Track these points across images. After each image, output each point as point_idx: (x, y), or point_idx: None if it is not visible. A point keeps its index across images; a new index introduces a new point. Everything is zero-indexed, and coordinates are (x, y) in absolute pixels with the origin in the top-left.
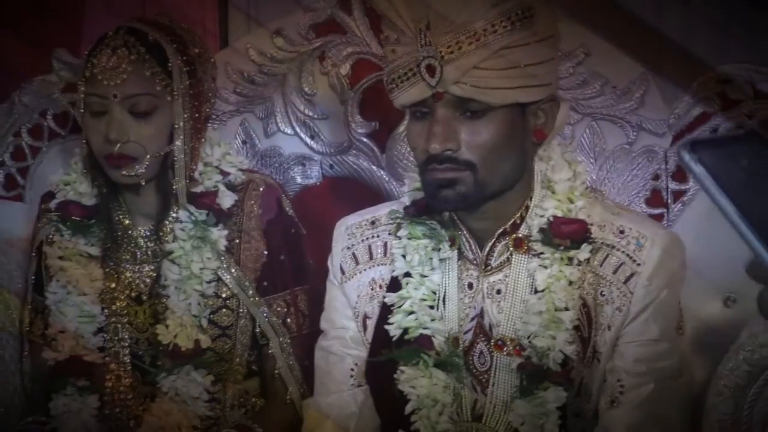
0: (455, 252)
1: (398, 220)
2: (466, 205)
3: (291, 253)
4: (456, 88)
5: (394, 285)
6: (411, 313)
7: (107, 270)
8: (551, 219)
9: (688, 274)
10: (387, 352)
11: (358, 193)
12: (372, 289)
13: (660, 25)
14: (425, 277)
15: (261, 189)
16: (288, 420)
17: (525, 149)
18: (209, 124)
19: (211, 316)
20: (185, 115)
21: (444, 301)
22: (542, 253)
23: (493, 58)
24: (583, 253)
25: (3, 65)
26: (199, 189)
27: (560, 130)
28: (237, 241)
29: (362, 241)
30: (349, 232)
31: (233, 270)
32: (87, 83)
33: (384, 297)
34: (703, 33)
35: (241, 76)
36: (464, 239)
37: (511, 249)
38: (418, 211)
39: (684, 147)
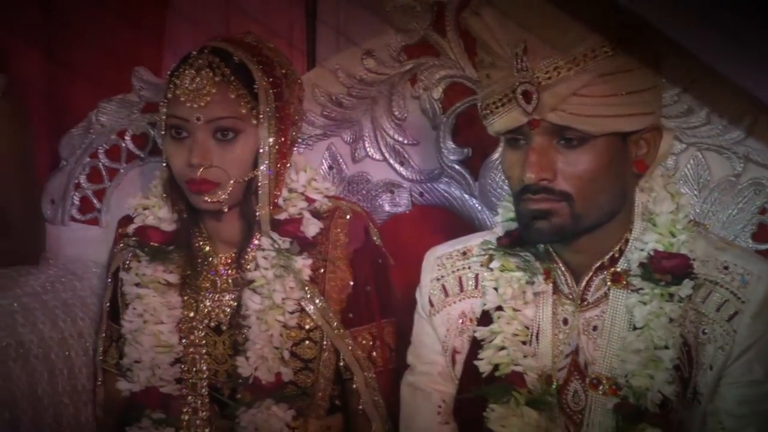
0: (550, 286)
1: (490, 251)
2: (562, 237)
3: (378, 283)
4: (553, 115)
5: (485, 319)
6: (502, 348)
7: (186, 298)
8: (652, 253)
9: None
10: (476, 389)
11: (449, 222)
12: (462, 323)
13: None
14: (518, 311)
15: (348, 217)
16: None
17: (625, 180)
18: (295, 149)
19: (294, 348)
20: (270, 140)
21: (537, 336)
22: (642, 288)
23: (593, 84)
24: (685, 289)
25: (81, 83)
26: (283, 216)
27: (663, 160)
28: (322, 270)
29: (453, 272)
30: (439, 262)
31: (317, 300)
32: (169, 104)
33: (474, 331)
34: None
35: (328, 99)
36: (560, 272)
37: (609, 284)
38: (511, 243)
39: None
